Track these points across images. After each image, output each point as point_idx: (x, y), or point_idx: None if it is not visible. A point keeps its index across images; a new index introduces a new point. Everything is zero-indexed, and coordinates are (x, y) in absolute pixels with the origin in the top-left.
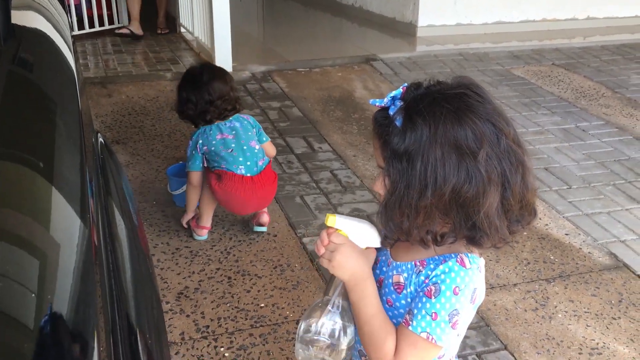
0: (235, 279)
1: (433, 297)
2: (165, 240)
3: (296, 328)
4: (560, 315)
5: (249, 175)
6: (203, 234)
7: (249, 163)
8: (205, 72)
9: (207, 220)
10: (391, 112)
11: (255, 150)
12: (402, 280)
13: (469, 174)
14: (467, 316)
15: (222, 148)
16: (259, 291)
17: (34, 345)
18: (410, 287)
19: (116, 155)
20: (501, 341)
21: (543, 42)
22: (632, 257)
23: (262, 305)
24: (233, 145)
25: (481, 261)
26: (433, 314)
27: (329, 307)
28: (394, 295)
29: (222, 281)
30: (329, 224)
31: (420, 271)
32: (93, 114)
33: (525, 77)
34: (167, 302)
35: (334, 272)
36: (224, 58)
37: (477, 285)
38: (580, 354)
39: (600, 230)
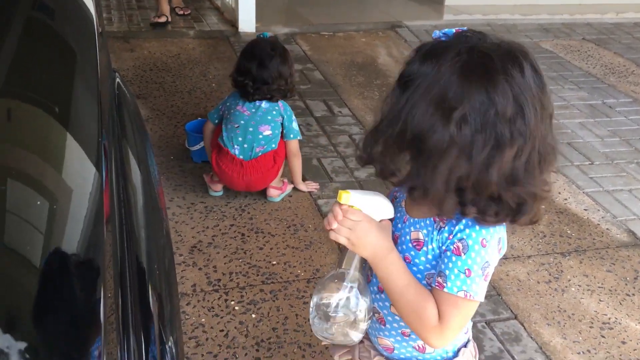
0: (248, 236)
1: (462, 254)
2: (181, 195)
3: (307, 287)
4: (573, 289)
5: (240, 157)
6: (218, 189)
7: (245, 146)
8: (275, 49)
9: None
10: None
11: (260, 137)
12: (421, 236)
13: (435, 127)
14: (495, 265)
15: (232, 120)
16: (271, 249)
17: (38, 284)
18: (432, 244)
19: (134, 98)
20: (512, 311)
21: (574, 16)
22: None
23: (274, 262)
24: (242, 122)
25: None
26: (466, 271)
27: (345, 283)
28: (412, 252)
29: (235, 237)
30: (342, 201)
31: (441, 227)
32: (114, 67)
33: (553, 50)
34: (181, 255)
35: (355, 250)
36: (247, 18)
37: (502, 235)
38: (591, 327)
39: (620, 207)
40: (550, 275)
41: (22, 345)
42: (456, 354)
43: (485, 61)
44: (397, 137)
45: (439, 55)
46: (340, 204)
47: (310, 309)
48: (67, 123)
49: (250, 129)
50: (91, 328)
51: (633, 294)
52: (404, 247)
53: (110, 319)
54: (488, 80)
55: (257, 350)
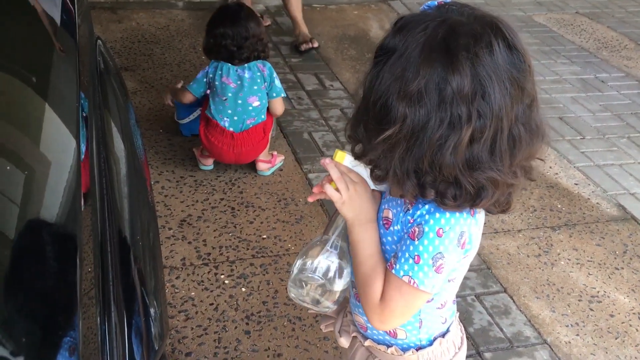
0: (238, 210)
1: (416, 239)
2: (170, 169)
3: None
4: (562, 263)
5: (231, 130)
6: (209, 164)
7: (235, 118)
8: (243, 10)
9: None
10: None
11: (250, 108)
12: (390, 215)
13: (389, 101)
14: (454, 261)
15: (219, 92)
16: (261, 223)
17: (11, 256)
18: (397, 226)
19: (116, 65)
20: (501, 284)
21: None
22: None
23: (264, 236)
24: (230, 94)
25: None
26: (415, 257)
27: (327, 247)
28: (381, 230)
29: (225, 211)
30: (337, 159)
31: (408, 209)
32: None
33: (546, 24)
34: (170, 229)
35: (341, 208)
36: None
37: (466, 229)
38: (579, 300)
39: (610, 182)
40: (540, 249)
41: None
42: (431, 342)
43: (448, 36)
44: (363, 112)
45: (409, 30)
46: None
47: (291, 272)
48: (44, 91)
49: (239, 101)
50: (67, 301)
51: (622, 268)
52: (377, 224)
53: (89, 293)
54: (447, 57)
55: (247, 324)
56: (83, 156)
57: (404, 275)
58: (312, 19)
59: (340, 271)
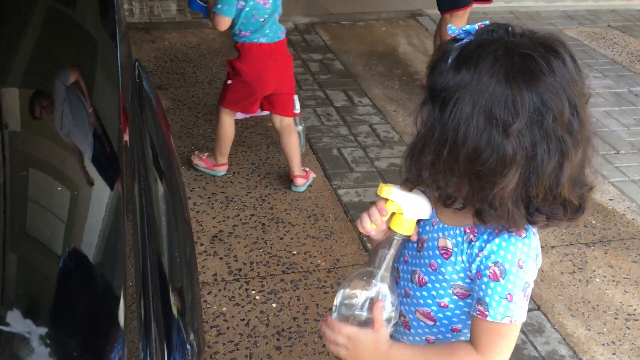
0: (269, 226)
1: (500, 278)
2: (202, 185)
3: (327, 277)
4: (597, 280)
5: (267, 42)
6: (224, 170)
7: (271, 34)
8: None
9: (224, 158)
10: (455, 46)
11: (279, 24)
12: (449, 245)
13: (492, 144)
14: (534, 279)
15: (255, 14)
16: (292, 239)
17: (58, 274)
18: (461, 256)
19: (153, 83)
20: (535, 302)
21: (599, 2)
22: None
23: (295, 252)
24: (266, 15)
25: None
26: (508, 296)
27: (374, 281)
28: (439, 260)
29: (256, 227)
30: (383, 195)
31: (471, 240)
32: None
33: (578, 38)
34: (202, 244)
35: None
36: None
37: (534, 247)
38: (616, 319)
39: None
40: (574, 265)
41: (43, 332)
42: None
43: (529, 63)
44: (447, 158)
45: (475, 63)
46: (380, 199)
47: (334, 307)
48: (88, 113)
49: (274, 18)
50: (113, 318)
51: None
52: (431, 252)
53: (131, 307)
54: (537, 84)
55: (278, 340)
56: (125, 175)
57: (503, 319)
58: (341, 35)
59: (388, 305)
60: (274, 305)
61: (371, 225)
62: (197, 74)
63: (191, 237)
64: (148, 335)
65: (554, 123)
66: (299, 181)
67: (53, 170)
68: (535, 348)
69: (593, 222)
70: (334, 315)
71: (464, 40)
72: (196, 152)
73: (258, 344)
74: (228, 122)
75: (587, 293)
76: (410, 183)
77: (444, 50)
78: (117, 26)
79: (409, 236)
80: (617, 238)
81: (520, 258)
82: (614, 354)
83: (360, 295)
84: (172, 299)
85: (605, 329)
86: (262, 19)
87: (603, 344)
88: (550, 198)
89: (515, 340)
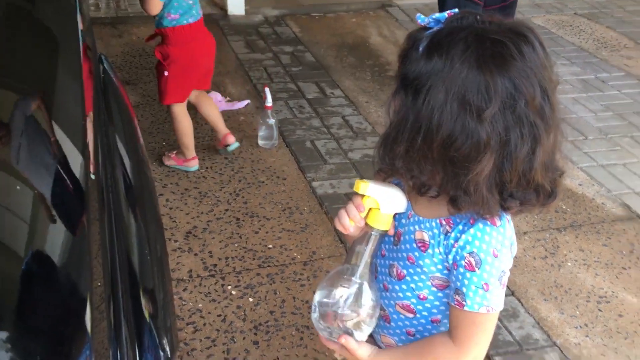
0: (243, 220)
1: (476, 269)
2: (174, 181)
3: (303, 269)
4: (569, 264)
5: (195, 21)
6: (196, 164)
7: (196, 14)
8: None
9: (191, 152)
10: (426, 34)
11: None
12: (426, 238)
13: (466, 129)
14: (509, 266)
15: None
16: (267, 232)
17: (22, 271)
18: (438, 248)
19: (119, 81)
20: (508, 287)
21: None
22: None
23: (270, 246)
24: None
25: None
26: (484, 286)
27: (354, 278)
28: (416, 253)
29: (230, 222)
30: (360, 191)
31: (447, 232)
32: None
33: (545, 26)
34: (176, 241)
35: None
36: (236, 1)
37: (509, 235)
38: (587, 301)
39: (614, 182)
40: (546, 250)
41: (5, 336)
42: None
43: (500, 48)
44: (421, 146)
45: (446, 50)
46: (356, 195)
47: (313, 307)
48: (50, 108)
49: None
50: (79, 316)
51: (629, 267)
52: (408, 246)
53: (100, 307)
54: (509, 69)
55: (255, 334)
56: (90, 172)
57: (480, 308)
58: (311, 27)
59: (369, 301)
60: (250, 299)
61: (350, 222)
62: None
63: (162, 234)
64: (118, 337)
65: (526, 108)
66: (231, 138)
67: (13, 170)
68: (510, 333)
69: (564, 207)
70: (314, 315)
71: (434, 29)
72: (166, 153)
73: (235, 339)
74: (182, 114)
75: (559, 277)
76: (383, 173)
77: (414, 38)
78: (79, 20)
79: (387, 231)
80: (588, 222)
81: (496, 247)
82: (587, 336)
83: (341, 293)
84: (143, 298)
85: (577, 312)
86: (190, 2)
87: (576, 327)
88: (523, 183)
89: (493, 330)
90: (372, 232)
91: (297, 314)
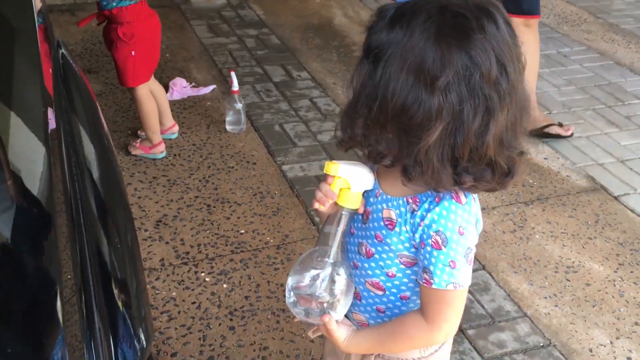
0: (214, 207)
1: (443, 247)
2: (142, 170)
3: (277, 253)
4: (537, 236)
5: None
6: (163, 149)
7: None
8: None
9: (157, 136)
10: (392, 6)
11: None
12: (393, 216)
13: (419, 98)
14: (475, 243)
15: None
16: (238, 218)
17: None
18: (405, 226)
19: (79, 67)
20: (479, 262)
21: None
22: (609, 180)
23: (242, 231)
24: None
25: None
26: (451, 264)
27: (327, 259)
28: (384, 231)
29: (201, 209)
30: (331, 172)
31: (414, 210)
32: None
33: None
34: (146, 230)
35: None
36: None
37: (474, 212)
38: (556, 272)
39: (578, 154)
40: (514, 224)
41: None
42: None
43: (460, 21)
44: (377, 114)
45: (407, 20)
46: (327, 176)
47: (287, 291)
48: (8, 99)
49: None
50: (49, 309)
51: (595, 237)
52: (376, 224)
53: (71, 300)
54: (466, 42)
55: (231, 320)
56: (53, 162)
57: (448, 285)
58: (275, 9)
59: (342, 283)
60: (224, 285)
61: (328, 200)
62: None
63: (132, 223)
64: (91, 328)
65: (481, 80)
66: (176, 128)
67: None
68: (482, 306)
69: (530, 181)
70: (290, 300)
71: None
72: (131, 142)
73: (211, 326)
74: (146, 96)
75: (528, 250)
76: (345, 144)
77: (382, 10)
78: (34, 7)
79: (357, 209)
80: (554, 195)
81: (461, 225)
82: (556, 305)
83: (315, 276)
84: (116, 289)
85: (546, 283)
86: None
87: (545, 297)
88: (475, 158)
89: (462, 306)
90: (343, 212)
91: (273, 298)
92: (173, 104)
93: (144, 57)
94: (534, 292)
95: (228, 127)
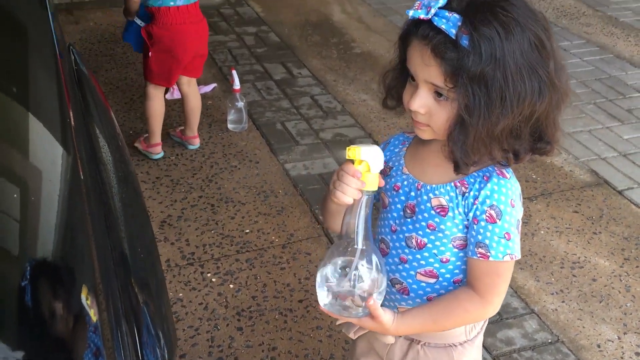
0: (218, 206)
1: (497, 220)
2: (145, 170)
3: (282, 252)
4: (542, 232)
5: (184, 4)
6: (159, 151)
7: None
8: None
9: (157, 137)
10: (439, 25)
11: None
12: (444, 202)
13: (541, 81)
14: None
15: None
16: (243, 217)
17: (18, 273)
18: (458, 209)
19: (89, 71)
20: None
21: None
22: (612, 174)
23: (247, 231)
24: None
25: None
26: (506, 235)
27: (357, 246)
28: (437, 219)
29: (205, 209)
30: (355, 157)
31: (464, 192)
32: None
33: None
34: None
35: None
36: None
37: (518, 185)
38: (562, 268)
39: (581, 149)
40: None
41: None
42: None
43: (515, 3)
44: (521, 116)
45: (488, 28)
46: (347, 161)
47: (318, 285)
48: (27, 105)
49: None
50: (86, 317)
51: (600, 232)
52: (426, 215)
53: (102, 306)
54: (536, 19)
55: (239, 320)
56: (80, 168)
57: (504, 257)
58: (274, 6)
59: (372, 276)
60: (231, 286)
61: (354, 191)
62: (127, 54)
63: (149, 224)
64: (120, 331)
65: (551, 44)
66: (196, 141)
67: (5, 171)
68: None
69: (534, 176)
70: (326, 299)
71: (447, 16)
72: (140, 137)
73: (219, 327)
74: (157, 98)
75: (533, 245)
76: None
77: (437, 33)
78: (49, 10)
79: (375, 191)
80: (557, 190)
81: (512, 197)
82: (563, 301)
83: (347, 265)
84: (139, 292)
85: (553, 279)
86: None
87: (552, 293)
88: (540, 134)
89: (510, 278)
90: (364, 196)
91: (279, 298)
92: (174, 103)
93: (159, 62)
94: (540, 289)
95: (230, 126)
